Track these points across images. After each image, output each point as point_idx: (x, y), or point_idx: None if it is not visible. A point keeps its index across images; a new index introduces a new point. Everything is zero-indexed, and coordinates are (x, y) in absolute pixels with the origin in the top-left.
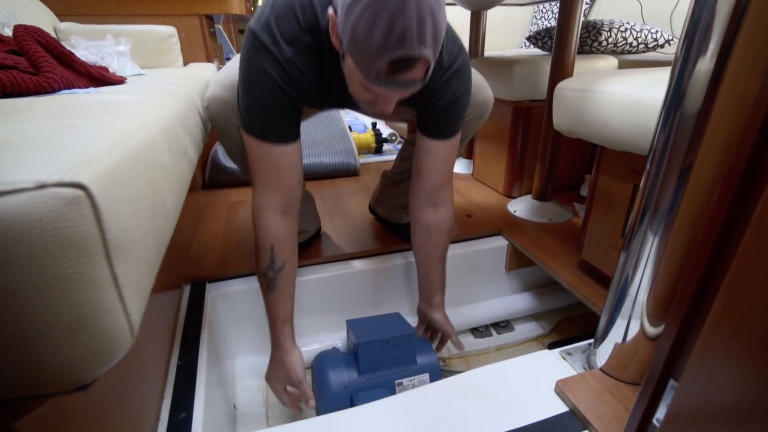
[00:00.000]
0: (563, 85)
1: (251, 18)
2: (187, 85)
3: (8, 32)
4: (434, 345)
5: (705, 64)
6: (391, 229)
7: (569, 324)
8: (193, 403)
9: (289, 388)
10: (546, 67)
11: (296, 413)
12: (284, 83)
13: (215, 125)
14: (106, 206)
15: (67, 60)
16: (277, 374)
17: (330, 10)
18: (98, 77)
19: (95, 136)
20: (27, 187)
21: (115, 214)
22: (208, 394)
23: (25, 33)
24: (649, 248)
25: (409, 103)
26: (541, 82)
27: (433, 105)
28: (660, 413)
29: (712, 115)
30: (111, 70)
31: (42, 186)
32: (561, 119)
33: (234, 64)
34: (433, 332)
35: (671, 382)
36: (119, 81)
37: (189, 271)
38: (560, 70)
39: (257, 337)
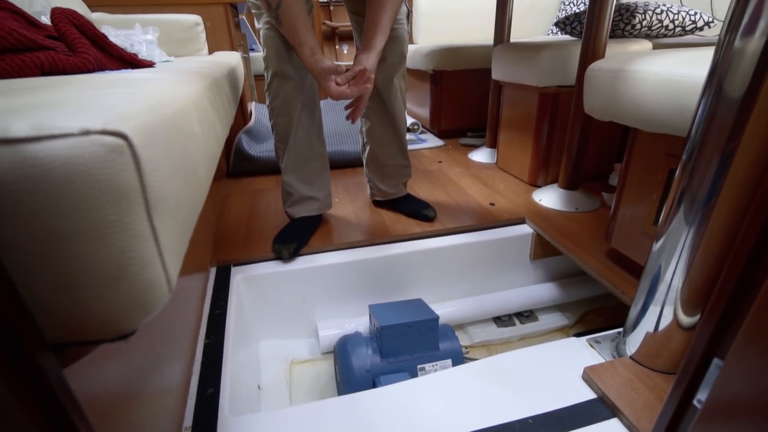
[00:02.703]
0: (595, 66)
1: None
2: (214, 69)
3: (45, 20)
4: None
5: (753, 44)
6: (398, 209)
7: (595, 316)
8: (219, 380)
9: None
10: (576, 52)
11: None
12: None
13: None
14: (145, 159)
15: (101, 42)
16: (322, 80)
17: None
18: (129, 60)
19: (133, 101)
20: (72, 133)
21: (153, 169)
22: (234, 372)
23: (61, 15)
24: (685, 236)
25: None
26: (570, 67)
27: None
28: (702, 395)
29: (759, 98)
30: (140, 57)
31: (86, 132)
32: (593, 102)
33: None
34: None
35: (715, 361)
36: (149, 65)
37: (215, 255)
38: (591, 54)
39: (280, 322)
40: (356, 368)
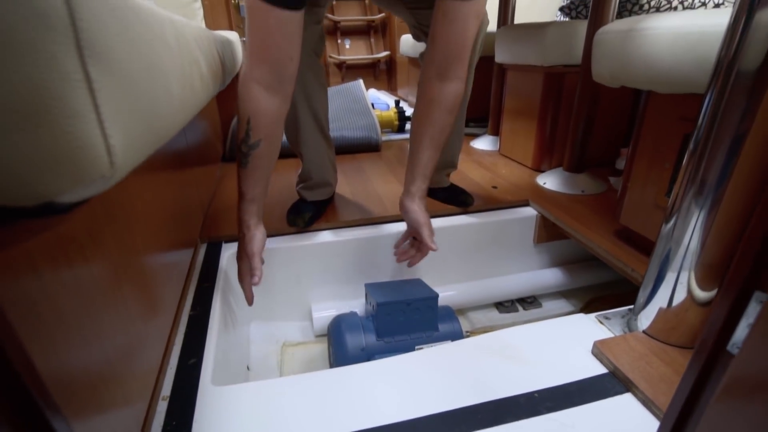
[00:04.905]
0: (605, 29)
1: None
2: (210, 31)
3: None
4: (411, 252)
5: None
6: (435, 197)
7: (601, 304)
8: (203, 350)
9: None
10: (582, 30)
11: (247, 300)
12: None
13: None
14: None
15: None
16: (239, 251)
17: None
18: None
19: None
20: None
21: (90, 10)
22: (219, 344)
23: None
24: (700, 209)
25: None
26: (577, 45)
27: None
28: (722, 369)
29: None
30: None
31: None
32: (602, 67)
33: None
34: (414, 240)
35: (757, 294)
36: None
37: (206, 231)
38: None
39: (273, 302)
40: (351, 347)
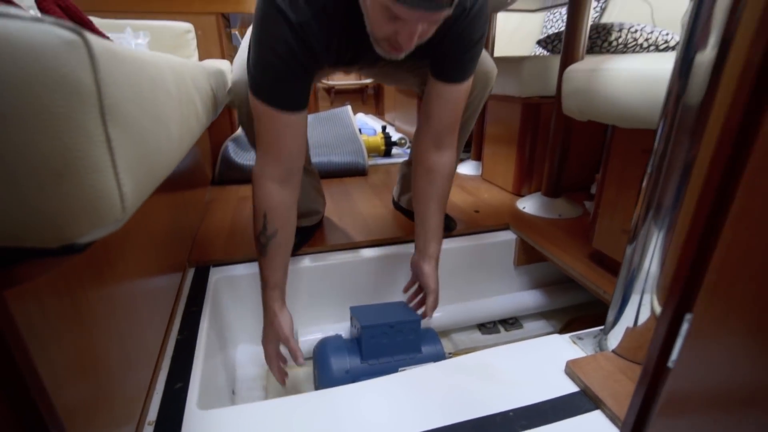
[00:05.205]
0: (573, 68)
1: None
2: (202, 65)
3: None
4: (414, 302)
5: (706, 56)
6: None
7: (580, 324)
8: (189, 375)
9: (282, 348)
10: (555, 65)
11: (282, 385)
12: (298, 48)
13: (239, 107)
14: (104, 65)
15: (87, 27)
16: (267, 336)
17: None
18: None
19: (103, 40)
20: (24, 17)
21: (112, 81)
22: (205, 369)
23: None
24: (657, 233)
25: (427, 50)
26: (551, 78)
27: (454, 47)
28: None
29: (713, 107)
30: None
31: (39, 20)
32: (571, 102)
33: (247, 44)
34: (419, 291)
35: (687, 315)
36: None
37: (194, 255)
38: (569, 63)
39: (258, 326)
40: (335, 370)
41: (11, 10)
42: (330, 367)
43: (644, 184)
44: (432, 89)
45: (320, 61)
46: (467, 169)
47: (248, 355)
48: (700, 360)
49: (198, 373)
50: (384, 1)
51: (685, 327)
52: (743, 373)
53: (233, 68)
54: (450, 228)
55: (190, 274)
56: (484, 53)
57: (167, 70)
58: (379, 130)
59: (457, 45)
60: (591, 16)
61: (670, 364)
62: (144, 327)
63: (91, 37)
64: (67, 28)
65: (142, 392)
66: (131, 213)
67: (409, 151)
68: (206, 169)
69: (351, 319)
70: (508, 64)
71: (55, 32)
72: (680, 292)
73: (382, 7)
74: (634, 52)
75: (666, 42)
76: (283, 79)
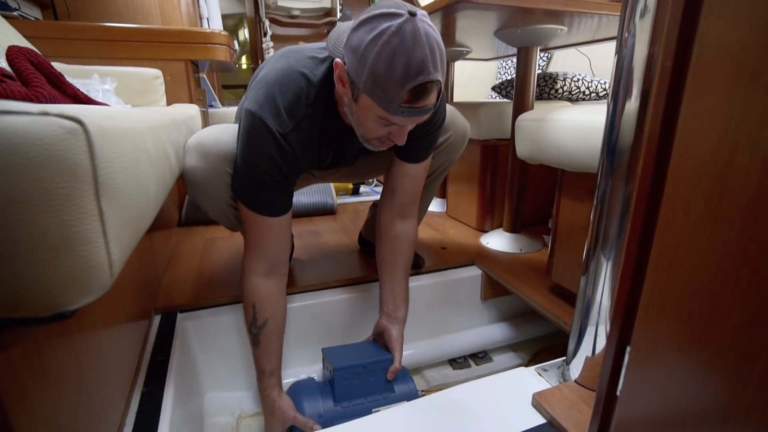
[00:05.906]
0: (523, 117)
1: (246, 101)
2: (171, 113)
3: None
4: None
5: (631, 105)
6: None
7: (549, 354)
8: (155, 431)
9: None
10: (509, 111)
11: None
12: (282, 161)
13: (197, 194)
14: (99, 147)
15: (57, 81)
16: (271, 424)
17: (337, 60)
18: (84, 100)
19: (89, 109)
20: (32, 112)
21: (105, 159)
22: (173, 422)
23: (18, 52)
24: (606, 265)
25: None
26: (506, 122)
27: (421, 132)
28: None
29: (641, 149)
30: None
31: (45, 113)
32: (522, 147)
33: (208, 131)
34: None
35: (627, 347)
36: (104, 105)
37: (160, 302)
38: (521, 111)
39: (228, 373)
40: (309, 415)
41: (20, 106)
42: (303, 412)
43: (591, 219)
44: (398, 169)
45: (303, 167)
46: (433, 206)
47: (217, 403)
48: (641, 388)
49: (165, 428)
50: (380, 113)
51: (626, 358)
52: (679, 400)
53: (188, 150)
54: (419, 266)
55: (156, 321)
56: (457, 114)
57: (146, 132)
58: None
59: (423, 131)
60: (538, 65)
61: (618, 392)
62: (109, 381)
63: (88, 121)
64: (69, 117)
65: None
66: (117, 276)
67: (376, 189)
68: (173, 212)
69: (323, 360)
70: (467, 109)
71: (59, 123)
72: (620, 326)
73: (377, 117)
74: (578, 99)
75: (604, 90)
76: (266, 189)
